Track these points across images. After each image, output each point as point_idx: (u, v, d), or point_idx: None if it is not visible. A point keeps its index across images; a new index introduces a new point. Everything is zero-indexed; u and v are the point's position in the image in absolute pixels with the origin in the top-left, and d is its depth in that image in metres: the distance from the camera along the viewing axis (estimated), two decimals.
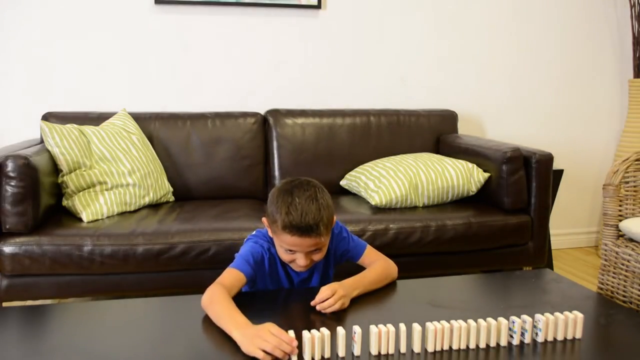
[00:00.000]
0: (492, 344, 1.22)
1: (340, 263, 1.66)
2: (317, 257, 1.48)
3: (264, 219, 1.53)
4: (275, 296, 1.56)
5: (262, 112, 2.77)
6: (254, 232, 1.62)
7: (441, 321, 1.20)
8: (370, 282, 1.53)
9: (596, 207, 3.41)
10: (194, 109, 2.74)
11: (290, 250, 1.46)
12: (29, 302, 2.15)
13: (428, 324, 1.19)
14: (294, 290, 1.58)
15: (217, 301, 1.33)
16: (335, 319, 1.36)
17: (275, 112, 2.75)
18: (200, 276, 2.11)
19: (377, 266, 1.59)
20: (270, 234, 1.52)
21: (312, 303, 1.40)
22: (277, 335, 1.15)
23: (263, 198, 2.48)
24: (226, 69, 2.86)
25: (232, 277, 1.45)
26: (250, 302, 1.50)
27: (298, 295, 1.56)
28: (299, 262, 1.46)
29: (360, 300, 1.47)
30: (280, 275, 1.59)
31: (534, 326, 1.25)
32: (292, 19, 2.89)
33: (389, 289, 1.59)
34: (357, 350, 1.17)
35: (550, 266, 2.82)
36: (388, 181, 2.39)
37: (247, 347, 1.16)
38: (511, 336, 1.23)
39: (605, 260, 1.93)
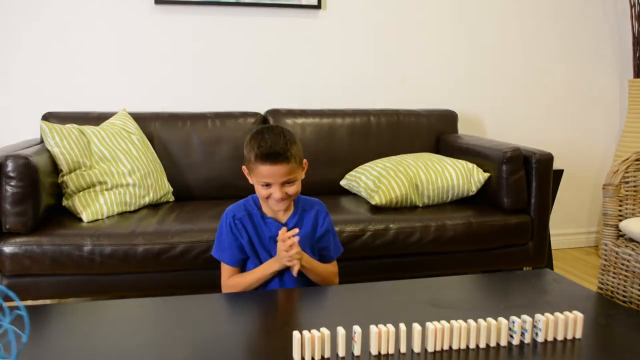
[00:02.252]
0: (492, 344, 1.22)
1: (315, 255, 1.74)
2: (291, 190, 1.62)
3: (243, 167, 1.69)
4: (275, 297, 1.56)
5: (262, 112, 2.77)
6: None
7: (441, 321, 1.20)
8: (318, 271, 1.69)
9: (596, 207, 3.41)
10: (194, 109, 2.74)
11: (267, 185, 1.60)
12: (29, 302, 2.14)
13: (428, 324, 1.19)
14: (293, 291, 1.58)
15: (240, 281, 1.66)
16: (335, 319, 1.36)
17: (275, 112, 2.75)
18: (200, 276, 2.11)
19: (330, 268, 1.76)
20: (250, 180, 1.67)
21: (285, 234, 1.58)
22: (284, 250, 1.56)
23: None
24: (226, 68, 2.86)
25: (228, 271, 1.71)
26: (250, 303, 1.51)
27: (297, 296, 1.56)
28: (275, 195, 1.59)
29: (360, 300, 1.47)
30: (260, 229, 1.70)
31: (534, 326, 1.25)
32: (292, 19, 2.89)
33: (389, 288, 1.60)
34: (357, 350, 1.17)
35: (550, 266, 2.82)
36: (388, 181, 2.39)
37: (282, 265, 1.60)
38: (511, 336, 1.23)
39: (605, 260, 1.93)
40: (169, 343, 1.24)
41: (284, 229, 1.61)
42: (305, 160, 1.69)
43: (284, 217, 1.69)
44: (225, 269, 1.71)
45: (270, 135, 1.61)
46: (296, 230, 1.59)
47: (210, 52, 2.83)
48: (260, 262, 1.69)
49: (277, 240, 1.59)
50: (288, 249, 1.56)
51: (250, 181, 1.67)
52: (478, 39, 3.13)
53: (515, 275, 1.94)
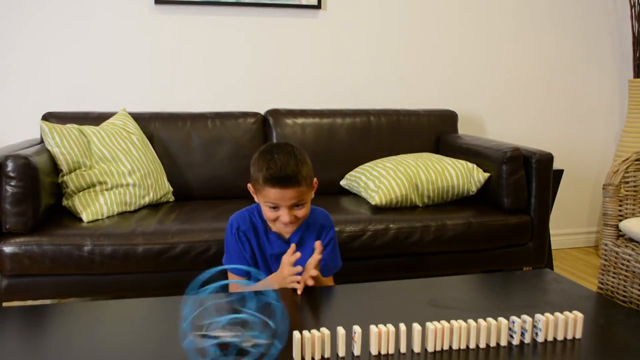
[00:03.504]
0: (492, 344, 1.22)
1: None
2: (300, 213, 1.56)
3: (248, 185, 1.63)
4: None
5: (262, 112, 2.77)
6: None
7: (441, 321, 1.20)
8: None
9: (596, 207, 3.41)
10: (194, 109, 2.74)
11: (274, 208, 1.54)
12: (29, 302, 2.15)
13: (428, 324, 1.19)
14: (293, 291, 1.58)
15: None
16: (335, 319, 1.35)
17: (275, 112, 2.75)
18: None
19: (330, 284, 1.69)
20: (256, 198, 1.61)
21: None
22: (286, 272, 1.47)
23: None
24: (226, 68, 2.86)
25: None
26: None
27: (297, 296, 1.56)
28: (283, 219, 1.54)
29: (360, 300, 1.47)
30: (262, 242, 1.67)
31: (534, 326, 1.25)
32: (292, 19, 2.89)
33: (389, 288, 1.60)
34: (357, 350, 1.17)
35: (550, 266, 2.82)
36: (388, 181, 2.39)
37: (282, 285, 1.50)
38: (511, 336, 1.23)
39: (605, 260, 1.93)
40: (168, 343, 1.24)
41: (290, 252, 1.52)
42: (315, 180, 1.62)
43: (287, 233, 1.66)
44: (233, 279, 1.67)
45: (280, 155, 1.52)
46: (298, 255, 1.51)
47: (210, 52, 2.83)
48: (260, 279, 1.66)
49: (282, 262, 1.52)
50: (292, 275, 1.48)
51: (256, 200, 1.62)
52: (478, 39, 3.13)
53: (515, 275, 1.94)
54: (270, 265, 1.66)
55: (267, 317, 1.12)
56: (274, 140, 2.69)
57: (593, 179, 3.39)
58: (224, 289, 1.21)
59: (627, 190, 1.95)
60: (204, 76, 2.85)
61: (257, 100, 2.86)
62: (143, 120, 2.57)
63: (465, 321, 1.21)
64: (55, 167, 2.24)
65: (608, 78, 3.32)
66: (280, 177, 1.49)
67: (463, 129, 3.06)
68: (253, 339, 1.10)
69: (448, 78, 3.12)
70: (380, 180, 2.41)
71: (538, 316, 1.24)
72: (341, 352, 1.17)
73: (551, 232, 2.88)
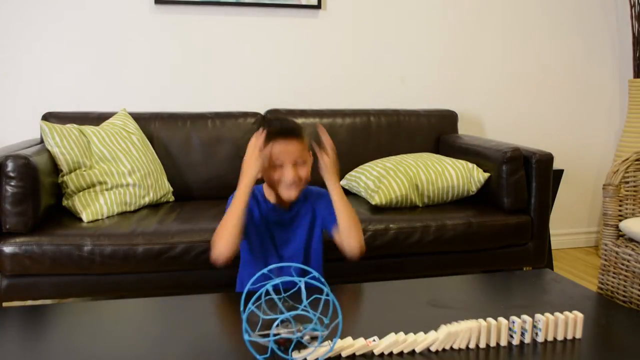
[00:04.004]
0: (492, 344, 1.22)
1: (323, 225, 1.70)
2: (303, 172, 1.60)
3: None
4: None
5: (262, 112, 2.77)
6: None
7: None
8: (348, 206, 1.63)
9: (596, 207, 3.41)
10: (194, 109, 2.74)
11: (278, 168, 1.57)
12: (29, 302, 2.15)
13: None
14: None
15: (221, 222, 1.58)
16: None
17: (275, 112, 2.75)
18: (200, 276, 2.11)
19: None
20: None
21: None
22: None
23: None
24: (226, 68, 2.86)
25: None
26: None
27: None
28: (287, 176, 1.56)
29: (359, 300, 1.47)
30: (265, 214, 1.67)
31: (534, 326, 1.25)
32: (292, 19, 2.89)
33: (389, 289, 1.60)
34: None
35: (550, 266, 2.82)
36: (388, 181, 2.39)
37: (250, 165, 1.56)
38: (511, 336, 1.23)
39: (605, 260, 1.93)
40: (168, 343, 1.24)
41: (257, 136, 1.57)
42: (311, 153, 1.66)
43: (289, 199, 1.66)
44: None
45: (279, 120, 1.69)
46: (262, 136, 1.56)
47: (210, 52, 2.83)
48: (251, 243, 1.66)
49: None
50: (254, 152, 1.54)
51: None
52: (478, 39, 3.13)
53: (515, 275, 1.94)
54: (273, 232, 1.67)
55: (319, 311, 1.14)
56: None
57: (593, 179, 3.39)
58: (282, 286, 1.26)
59: (627, 190, 1.95)
60: (204, 76, 2.85)
61: (257, 100, 2.86)
62: (143, 120, 2.57)
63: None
64: (55, 167, 2.24)
65: (608, 78, 3.32)
66: (283, 128, 1.59)
67: (463, 129, 3.06)
68: (310, 332, 1.12)
69: (448, 78, 3.12)
70: (380, 180, 2.41)
71: (538, 316, 1.24)
72: (343, 352, 1.17)
73: (551, 232, 2.88)
